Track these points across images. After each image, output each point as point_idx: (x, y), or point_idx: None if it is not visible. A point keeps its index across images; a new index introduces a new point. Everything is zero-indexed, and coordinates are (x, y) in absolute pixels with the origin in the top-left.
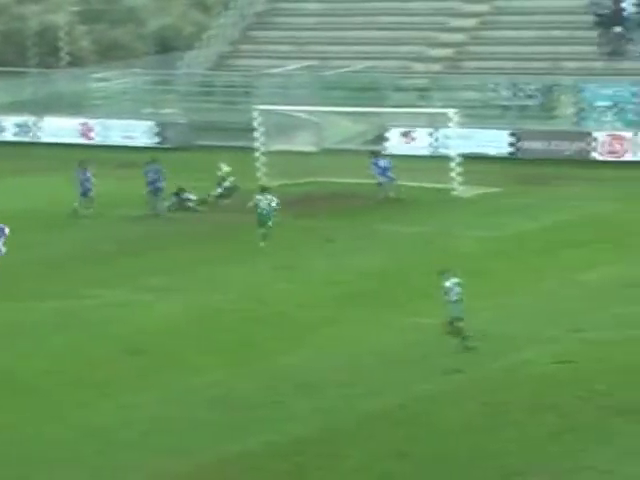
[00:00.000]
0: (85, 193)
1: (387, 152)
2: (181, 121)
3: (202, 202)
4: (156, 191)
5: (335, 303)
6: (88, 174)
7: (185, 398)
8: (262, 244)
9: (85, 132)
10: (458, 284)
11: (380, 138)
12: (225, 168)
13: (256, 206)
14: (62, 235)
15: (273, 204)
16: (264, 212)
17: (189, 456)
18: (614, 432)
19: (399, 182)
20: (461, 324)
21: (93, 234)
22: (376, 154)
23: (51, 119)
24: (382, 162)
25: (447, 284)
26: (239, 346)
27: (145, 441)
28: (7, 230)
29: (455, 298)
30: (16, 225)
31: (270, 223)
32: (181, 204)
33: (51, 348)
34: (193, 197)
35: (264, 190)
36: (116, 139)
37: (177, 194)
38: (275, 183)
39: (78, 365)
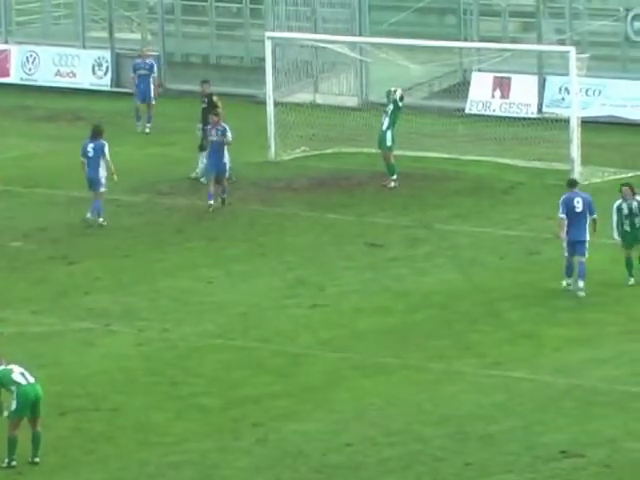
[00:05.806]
0: None
1: (468, 109)
2: (149, 52)
3: None
4: None
5: (377, 342)
6: None
7: None
8: None
9: (1, 65)
10: None
11: (459, 88)
12: None
13: None
14: None
15: None
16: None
17: None
18: None
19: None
20: None
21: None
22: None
23: None
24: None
25: None
26: (224, 407)
27: None
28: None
29: None
30: None
31: None
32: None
33: None
34: None
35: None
36: (47, 77)
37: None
38: (287, 156)
39: None
